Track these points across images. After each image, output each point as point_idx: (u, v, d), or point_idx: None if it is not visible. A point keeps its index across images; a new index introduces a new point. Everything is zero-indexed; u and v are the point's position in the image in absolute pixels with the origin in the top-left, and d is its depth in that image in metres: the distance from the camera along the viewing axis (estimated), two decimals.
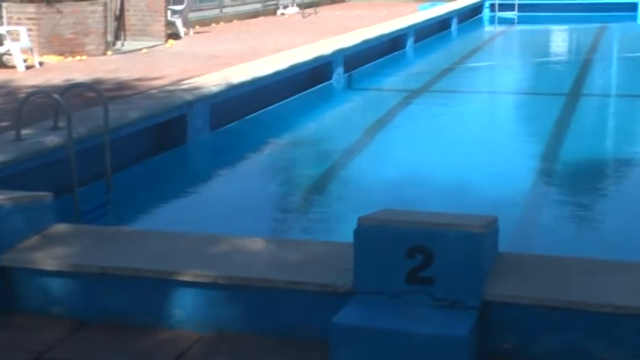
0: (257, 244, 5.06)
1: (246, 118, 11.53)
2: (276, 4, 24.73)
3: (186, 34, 17.94)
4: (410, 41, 19.12)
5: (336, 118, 12.52)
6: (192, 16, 19.59)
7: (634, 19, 25.23)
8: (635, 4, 25.66)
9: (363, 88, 14.90)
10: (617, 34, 22.41)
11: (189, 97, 10.10)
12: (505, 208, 7.19)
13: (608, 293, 4.22)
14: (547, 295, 4.21)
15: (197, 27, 19.36)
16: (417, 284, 4.22)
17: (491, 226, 4.42)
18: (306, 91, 13.50)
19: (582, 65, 16.66)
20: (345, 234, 4.55)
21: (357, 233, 4.34)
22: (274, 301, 4.51)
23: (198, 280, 4.57)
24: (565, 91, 13.71)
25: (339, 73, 14.67)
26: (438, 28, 21.75)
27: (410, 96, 13.68)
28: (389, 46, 17.93)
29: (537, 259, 4.83)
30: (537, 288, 4.30)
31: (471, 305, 4.17)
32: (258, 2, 24.51)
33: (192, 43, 16.63)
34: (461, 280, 4.19)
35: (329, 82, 14.32)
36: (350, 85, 14.84)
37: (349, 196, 8.45)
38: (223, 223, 7.32)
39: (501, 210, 6.15)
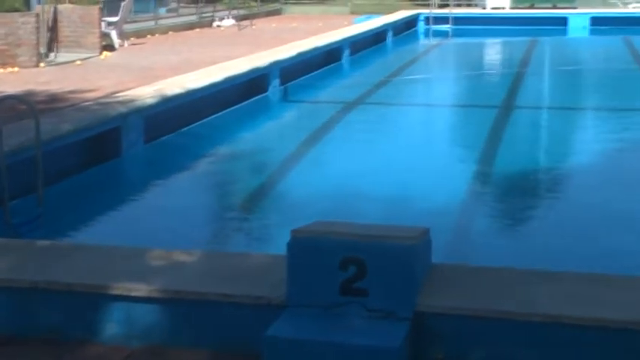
0: (191, 256, 5.03)
1: (182, 130, 11.45)
2: (212, 16, 24.71)
3: (121, 45, 17.81)
4: (346, 53, 19.22)
5: (272, 131, 12.52)
6: (127, 27, 19.45)
7: (564, 32, 25.71)
8: (565, 18, 26.16)
9: (300, 100, 14.92)
10: (548, 47, 22.78)
11: (123, 109, 10.01)
12: (439, 219, 7.25)
13: (539, 303, 4.27)
14: (479, 306, 4.25)
15: (132, 39, 19.23)
16: (350, 296, 4.23)
17: (424, 237, 4.45)
18: (242, 104, 13.46)
19: (514, 78, 16.88)
20: (280, 246, 4.54)
21: (291, 245, 4.33)
22: (207, 314, 4.48)
23: (131, 293, 4.52)
24: (498, 104, 13.87)
25: (275, 86, 14.66)
26: (373, 40, 21.89)
27: (346, 108, 13.74)
28: (325, 59, 18.00)
29: (470, 269, 4.89)
30: (470, 299, 4.34)
31: (404, 316, 4.19)
32: (194, 14, 24.45)
33: (127, 54, 16.51)
34: (394, 292, 4.21)
35: (265, 94, 14.31)
36: (286, 98, 14.84)
37: (284, 208, 8.44)
38: (157, 236, 7.26)
39: (435, 221, 6.19)
